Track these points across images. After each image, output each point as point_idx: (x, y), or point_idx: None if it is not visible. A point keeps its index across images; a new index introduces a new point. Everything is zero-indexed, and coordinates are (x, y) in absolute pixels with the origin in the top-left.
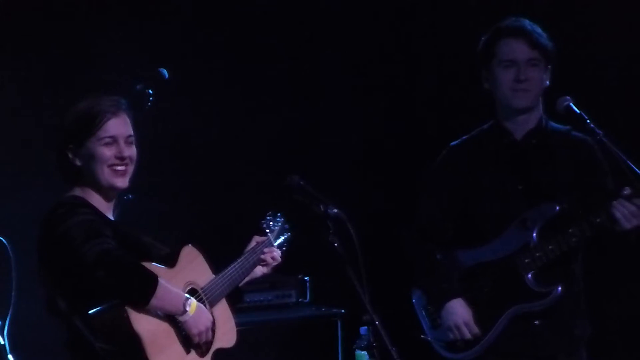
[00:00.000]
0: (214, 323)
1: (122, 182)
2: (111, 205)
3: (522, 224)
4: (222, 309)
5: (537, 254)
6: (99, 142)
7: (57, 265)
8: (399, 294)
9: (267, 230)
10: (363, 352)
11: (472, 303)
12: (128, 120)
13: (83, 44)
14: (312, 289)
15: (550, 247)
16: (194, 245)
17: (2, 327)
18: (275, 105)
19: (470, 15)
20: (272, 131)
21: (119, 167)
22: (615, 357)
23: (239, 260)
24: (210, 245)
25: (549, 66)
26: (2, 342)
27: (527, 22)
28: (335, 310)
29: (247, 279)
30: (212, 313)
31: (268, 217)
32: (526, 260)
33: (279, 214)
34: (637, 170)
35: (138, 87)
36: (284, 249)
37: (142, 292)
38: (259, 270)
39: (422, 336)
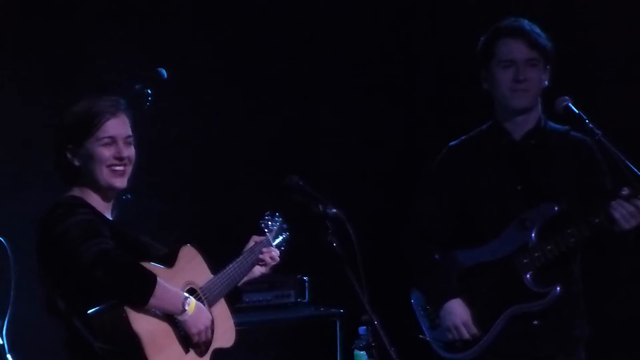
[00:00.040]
0: (212, 322)
1: (121, 183)
2: (109, 205)
3: (521, 224)
4: (221, 309)
5: (536, 254)
6: (97, 142)
7: (55, 266)
8: (397, 294)
9: (266, 230)
10: (362, 352)
11: (470, 303)
12: (127, 121)
13: (83, 44)
14: (311, 289)
15: (548, 247)
16: (192, 245)
17: (1, 327)
18: (275, 105)
19: (470, 15)
20: (272, 131)
21: (118, 168)
22: (613, 358)
23: (237, 260)
24: (210, 245)
25: (548, 66)
26: (1, 342)
27: (526, 22)
28: (334, 310)
29: (245, 278)
30: (211, 313)
31: (266, 217)
32: (525, 261)
33: (277, 214)
34: (636, 170)
35: (137, 87)
36: (283, 248)
37: (141, 291)
38: (258, 270)
39: (420, 336)
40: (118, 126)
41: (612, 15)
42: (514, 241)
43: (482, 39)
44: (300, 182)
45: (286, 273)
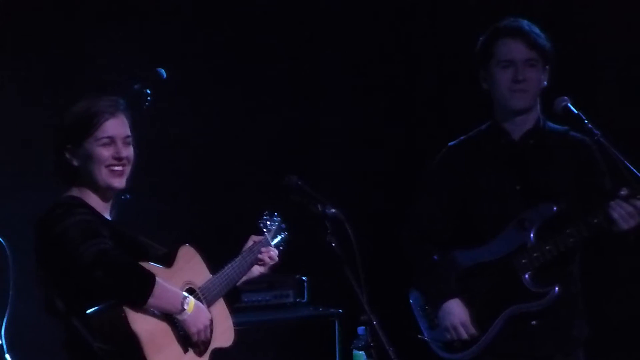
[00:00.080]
0: (211, 322)
1: (120, 183)
2: (108, 205)
3: (519, 224)
4: (220, 309)
5: (535, 255)
6: (96, 142)
7: (54, 266)
8: (396, 294)
9: (264, 230)
10: (360, 352)
11: (469, 303)
12: (126, 121)
13: (83, 44)
14: (310, 289)
15: (547, 247)
16: (191, 245)
17: None
18: (275, 105)
19: (470, 15)
20: (272, 131)
21: (117, 168)
22: (612, 358)
23: (236, 260)
24: (209, 245)
25: (547, 66)
26: (0, 342)
27: (525, 23)
28: (332, 310)
29: (244, 278)
30: (210, 312)
31: (265, 217)
32: (523, 261)
33: (275, 214)
34: (634, 170)
35: (136, 87)
36: (281, 248)
37: (140, 291)
38: (257, 270)
39: (419, 336)
40: (117, 126)
41: (611, 15)
42: (513, 241)
43: (481, 39)
44: (299, 182)
45: (285, 273)
